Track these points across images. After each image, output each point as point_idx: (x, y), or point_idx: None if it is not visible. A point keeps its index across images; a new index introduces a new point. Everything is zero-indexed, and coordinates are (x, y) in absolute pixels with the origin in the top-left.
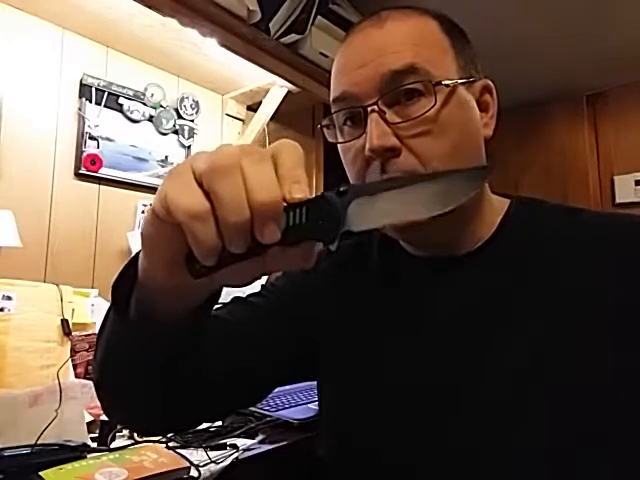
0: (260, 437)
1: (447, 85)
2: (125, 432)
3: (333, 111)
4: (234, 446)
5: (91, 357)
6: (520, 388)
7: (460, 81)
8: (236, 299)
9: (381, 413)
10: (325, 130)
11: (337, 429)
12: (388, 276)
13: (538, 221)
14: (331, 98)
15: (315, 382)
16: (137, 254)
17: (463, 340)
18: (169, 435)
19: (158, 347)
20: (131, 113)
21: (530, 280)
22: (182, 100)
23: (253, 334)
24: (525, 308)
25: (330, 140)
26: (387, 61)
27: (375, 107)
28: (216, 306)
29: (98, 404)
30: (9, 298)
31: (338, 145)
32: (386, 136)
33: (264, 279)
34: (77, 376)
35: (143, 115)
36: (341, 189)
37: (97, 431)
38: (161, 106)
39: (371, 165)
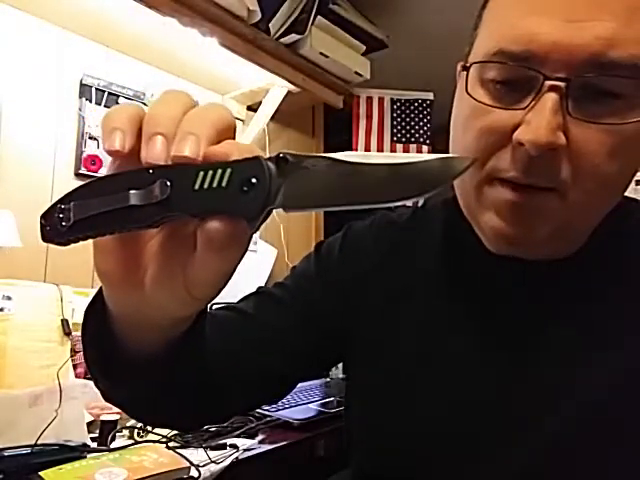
0: (260, 437)
1: None
2: (125, 432)
3: (491, 59)
4: (234, 446)
5: None
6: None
7: None
8: (260, 291)
9: (432, 429)
10: (464, 73)
11: (380, 441)
12: (454, 272)
13: (629, 220)
14: (495, 34)
15: (315, 381)
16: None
17: (553, 354)
18: (169, 435)
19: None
20: None
21: (626, 285)
22: None
23: (279, 335)
24: (622, 319)
25: (467, 91)
26: (603, 34)
27: (562, 85)
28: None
29: (98, 404)
30: (9, 298)
31: (460, 99)
32: (559, 132)
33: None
34: (77, 376)
35: None
36: (281, 155)
37: (97, 431)
38: None
39: (512, 151)
